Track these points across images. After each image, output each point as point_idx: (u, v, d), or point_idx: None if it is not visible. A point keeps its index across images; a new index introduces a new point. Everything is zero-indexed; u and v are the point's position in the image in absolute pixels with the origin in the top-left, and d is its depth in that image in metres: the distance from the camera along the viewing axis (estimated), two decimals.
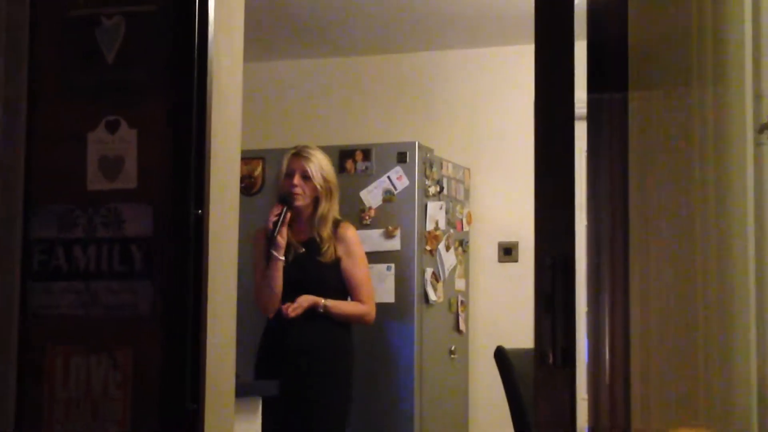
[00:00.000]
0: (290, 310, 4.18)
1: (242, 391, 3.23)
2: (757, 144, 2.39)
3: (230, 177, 2.98)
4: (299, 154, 4.33)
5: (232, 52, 3.01)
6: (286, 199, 4.29)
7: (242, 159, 3.25)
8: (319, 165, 4.31)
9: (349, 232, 4.41)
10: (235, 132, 3.04)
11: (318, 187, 4.28)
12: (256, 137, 4.46)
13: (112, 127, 2.74)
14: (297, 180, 4.27)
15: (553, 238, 2.40)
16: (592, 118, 2.54)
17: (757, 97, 2.40)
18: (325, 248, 4.30)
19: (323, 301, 4.23)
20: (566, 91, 2.43)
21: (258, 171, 5.06)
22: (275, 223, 4.19)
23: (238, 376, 3.09)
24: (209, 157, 2.78)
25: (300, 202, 4.27)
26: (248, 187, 4.91)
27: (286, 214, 4.23)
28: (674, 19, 2.54)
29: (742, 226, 2.39)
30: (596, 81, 2.53)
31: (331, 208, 4.33)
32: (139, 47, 2.77)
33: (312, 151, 4.35)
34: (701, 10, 2.52)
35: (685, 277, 2.47)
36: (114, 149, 2.73)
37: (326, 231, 4.32)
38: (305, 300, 4.19)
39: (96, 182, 2.74)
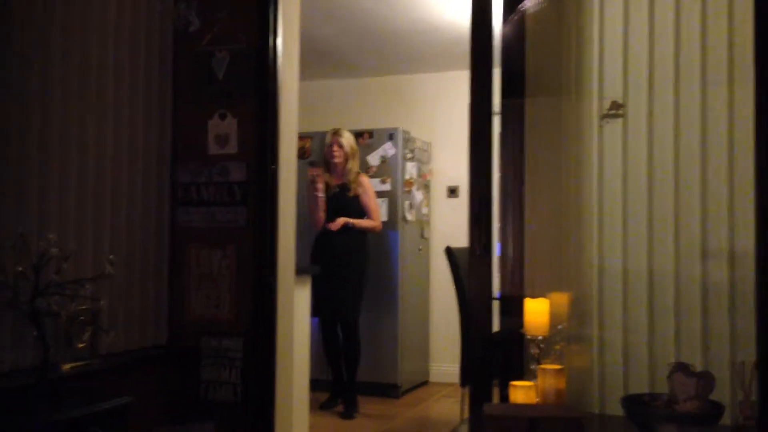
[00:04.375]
0: (333, 226, 4.60)
1: (299, 270, 3.36)
2: (600, 126, 2.65)
3: (291, 147, 3.16)
4: (336, 132, 4.67)
5: (292, 74, 3.18)
6: (327, 159, 4.67)
7: (298, 137, 3.35)
8: (347, 139, 4.65)
9: (365, 179, 4.75)
10: (294, 121, 3.21)
11: (346, 152, 4.67)
12: (306, 124, 4.61)
13: (223, 117, 2.97)
14: (335, 148, 4.64)
15: (479, 183, 2.68)
16: (503, 114, 2.82)
17: (600, 98, 2.65)
18: (351, 189, 4.67)
19: (351, 220, 4.64)
20: (488, 97, 2.69)
21: (308, 144, 5.39)
22: (313, 176, 4.57)
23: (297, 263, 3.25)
24: (279, 136, 3.00)
25: (336, 160, 4.63)
26: (301, 153, 5.04)
27: (318, 172, 4.58)
28: (552, 54, 2.75)
29: (589, 173, 2.64)
30: (506, 92, 2.79)
31: (354, 165, 4.67)
32: (237, 70, 2.96)
33: (343, 131, 4.68)
34: (568, 48, 2.71)
35: (557, 204, 2.72)
36: (224, 130, 2.96)
37: (352, 178, 4.67)
38: (341, 220, 4.60)
39: (213, 149, 2.97)
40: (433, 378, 5.79)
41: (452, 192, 5.86)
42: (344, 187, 4.69)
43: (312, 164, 4.67)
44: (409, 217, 5.41)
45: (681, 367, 2.20)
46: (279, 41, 3.00)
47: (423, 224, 5.69)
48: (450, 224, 5.77)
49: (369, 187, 4.76)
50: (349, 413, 4.61)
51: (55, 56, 2.52)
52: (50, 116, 2.50)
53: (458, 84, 5.67)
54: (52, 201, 2.49)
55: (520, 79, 2.78)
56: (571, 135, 2.73)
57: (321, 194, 4.63)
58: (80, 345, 2.50)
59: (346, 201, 4.68)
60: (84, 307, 2.47)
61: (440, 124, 5.92)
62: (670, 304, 2.53)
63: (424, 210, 5.72)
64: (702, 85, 2.56)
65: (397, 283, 5.22)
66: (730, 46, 2.51)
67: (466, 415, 3.61)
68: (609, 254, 2.62)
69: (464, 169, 5.61)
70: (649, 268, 2.57)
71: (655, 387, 2.48)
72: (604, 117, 2.67)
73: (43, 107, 2.47)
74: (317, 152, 5.30)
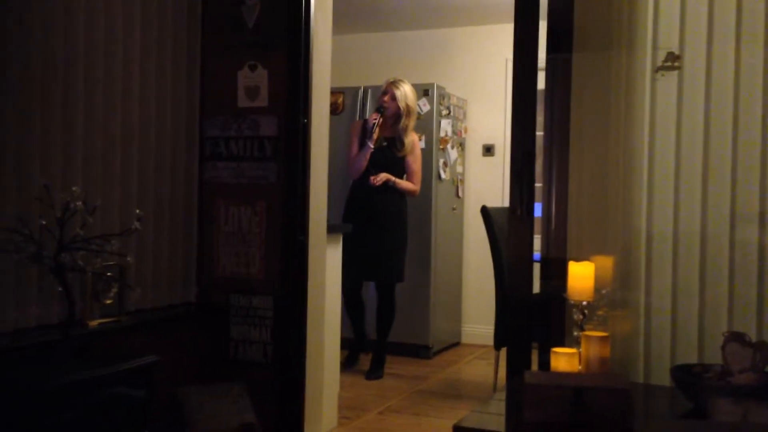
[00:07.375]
0: (376, 180, 4.35)
1: (331, 228, 3.28)
2: (653, 80, 2.48)
3: (323, 102, 3.09)
4: (393, 82, 4.39)
5: (325, 25, 3.08)
6: (380, 109, 4.39)
7: (331, 92, 3.32)
8: (404, 91, 4.35)
9: (416, 139, 4.53)
10: (326, 74, 3.13)
11: (399, 105, 4.38)
12: (339, 79, 4.45)
13: (253, 68, 2.89)
14: (387, 98, 4.36)
15: (522, 140, 2.60)
16: (549, 70, 2.68)
17: (655, 49, 2.48)
18: (401, 147, 4.41)
19: (393, 178, 4.42)
20: (533, 49, 2.61)
21: (340, 100, 5.19)
22: (373, 125, 4.36)
23: (329, 221, 3.21)
24: (311, 89, 2.92)
25: (388, 112, 4.38)
26: (334, 109, 4.93)
27: (379, 120, 4.34)
28: (603, 6, 2.58)
29: (640, 130, 2.48)
30: (552, 46, 2.66)
31: (410, 123, 4.40)
32: (268, 19, 2.87)
33: (402, 83, 4.38)
34: (620, 1, 2.55)
35: (603, 165, 2.57)
36: (254, 82, 2.88)
37: (407, 140, 4.41)
38: (384, 176, 4.37)
39: (243, 102, 2.90)
40: (465, 339, 5.72)
41: (488, 150, 5.70)
42: (392, 144, 4.45)
43: (378, 110, 4.41)
44: (444, 175, 5.27)
45: (736, 337, 2.04)
46: None
47: (457, 183, 5.55)
48: (485, 183, 5.63)
49: (418, 151, 4.56)
50: (375, 375, 4.50)
51: (79, 3, 2.41)
52: (75, 66, 2.41)
53: (496, 39, 5.50)
54: (78, 154, 2.41)
55: (568, 34, 2.64)
56: (620, 90, 2.57)
57: (372, 145, 4.40)
58: (107, 301, 2.43)
59: (392, 159, 4.46)
60: (111, 263, 2.38)
61: (477, 80, 5.73)
62: (723, 270, 2.39)
63: (459, 168, 5.57)
64: (766, 35, 2.37)
65: (431, 243, 5.10)
66: None
67: (501, 378, 3.66)
68: (659, 216, 2.47)
69: (500, 127, 5.51)
70: (702, 230, 2.43)
71: (704, 357, 2.36)
72: (658, 70, 2.51)
73: (67, 58, 2.39)
74: (349, 108, 5.13)
